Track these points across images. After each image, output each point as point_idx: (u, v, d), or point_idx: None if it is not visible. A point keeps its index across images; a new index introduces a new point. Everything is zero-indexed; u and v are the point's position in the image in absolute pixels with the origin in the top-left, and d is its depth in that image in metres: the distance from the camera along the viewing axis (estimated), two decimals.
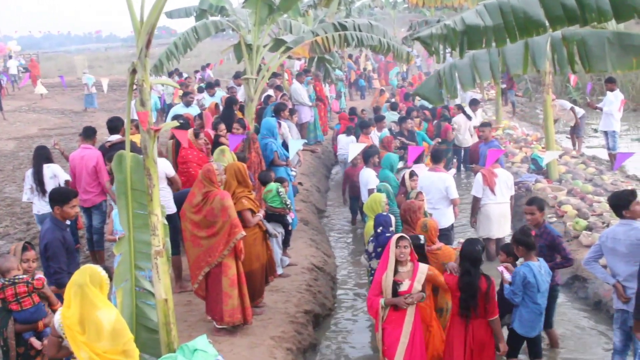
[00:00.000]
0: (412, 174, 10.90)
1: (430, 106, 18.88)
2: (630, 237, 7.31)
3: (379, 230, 8.93)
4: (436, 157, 11.93)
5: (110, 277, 6.24)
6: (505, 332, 7.98)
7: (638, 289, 6.81)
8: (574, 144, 20.26)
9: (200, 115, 14.43)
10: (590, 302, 10.24)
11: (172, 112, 16.06)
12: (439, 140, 17.60)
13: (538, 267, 7.71)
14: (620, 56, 7.42)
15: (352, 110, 20.31)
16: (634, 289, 7.04)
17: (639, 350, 7.08)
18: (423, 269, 7.66)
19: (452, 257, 8.44)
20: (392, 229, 9.03)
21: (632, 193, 7.72)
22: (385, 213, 9.24)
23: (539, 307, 7.75)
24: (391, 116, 19.05)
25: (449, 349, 7.70)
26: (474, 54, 7.95)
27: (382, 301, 7.58)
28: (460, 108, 19.14)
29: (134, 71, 7.35)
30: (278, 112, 15.14)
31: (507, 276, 7.81)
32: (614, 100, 17.54)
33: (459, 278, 7.48)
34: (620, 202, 7.57)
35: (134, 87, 7.39)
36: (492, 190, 11.54)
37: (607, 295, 9.74)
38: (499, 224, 11.70)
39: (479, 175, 11.71)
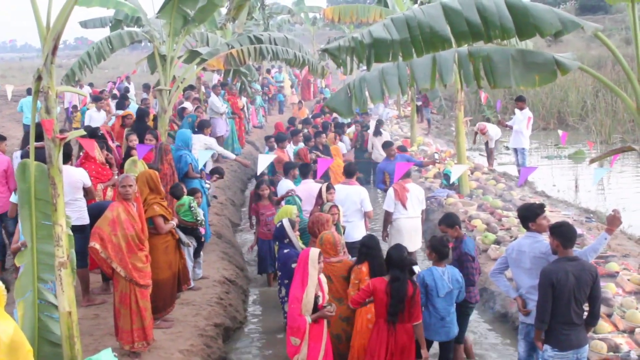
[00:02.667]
0: (329, 187, 10.94)
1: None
2: (534, 250, 7.49)
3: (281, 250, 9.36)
4: (349, 171, 12.05)
5: (8, 289, 6.04)
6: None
7: (538, 300, 6.99)
8: (489, 159, 20.78)
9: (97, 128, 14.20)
10: (497, 314, 10.47)
11: (87, 115, 15.84)
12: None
13: (440, 273, 8.02)
14: (523, 73, 7.63)
15: (291, 120, 20.56)
16: (535, 301, 7.23)
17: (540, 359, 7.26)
18: (323, 278, 7.84)
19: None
20: (287, 240, 9.41)
21: (541, 207, 7.94)
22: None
23: (438, 311, 7.99)
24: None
25: (370, 353, 7.81)
26: (383, 67, 8.07)
27: (309, 319, 7.62)
28: (376, 125, 19.63)
29: (39, 78, 7.21)
30: (202, 128, 15.07)
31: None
32: (522, 119, 18.06)
33: (388, 284, 7.60)
34: (528, 214, 7.76)
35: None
36: (404, 205, 11.65)
37: (513, 306, 10.00)
38: (410, 238, 11.82)
39: (390, 190, 11.83)
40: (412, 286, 7.64)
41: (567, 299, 6.76)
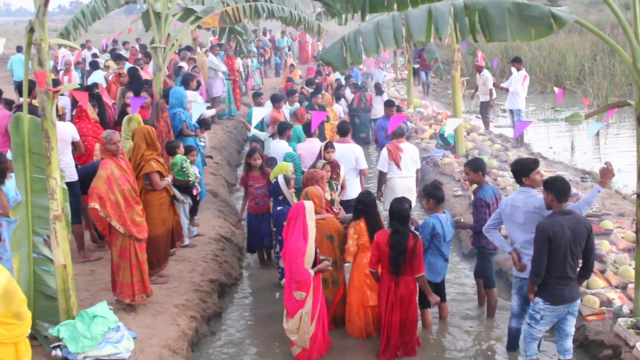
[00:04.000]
0: (328, 145, 10.91)
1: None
2: (528, 205, 7.49)
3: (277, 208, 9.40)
4: (343, 130, 12.05)
5: None
6: None
7: (534, 254, 7.00)
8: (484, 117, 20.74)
9: (96, 85, 14.08)
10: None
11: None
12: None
13: (445, 219, 8.47)
14: (519, 26, 7.56)
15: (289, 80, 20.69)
16: (529, 256, 7.26)
17: (530, 311, 7.30)
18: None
19: (337, 228, 8.73)
20: (281, 197, 9.51)
21: (535, 162, 7.94)
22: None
23: (444, 255, 8.55)
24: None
25: (378, 303, 8.17)
26: (378, 20, 7.99)
27: (312, 272, 7.82)
28: (376, 86, 19.71)
29: (31, 30, 7.15)
30: (186, 83, 14.97)
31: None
32: (519, 80, 17.98)
33: (389, 236, 7.77)
34: (522, 169, 7.77)
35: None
36: (398, 165, 11.61)
37: (506, 263, 10.05)
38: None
39: (384, 150, 11.80)
40: (413, 238, 7.79)
41: (563, 253, 6.77)
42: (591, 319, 8.31)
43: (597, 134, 21.61)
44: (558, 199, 6.90)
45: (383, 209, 11.97)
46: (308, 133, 12.56)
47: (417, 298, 8.15)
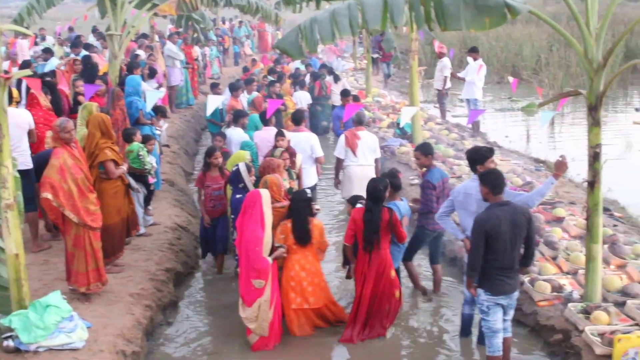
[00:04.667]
0: (278, 134, 10.91)
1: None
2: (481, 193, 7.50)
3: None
4: (297, 119, 12.07)
5: None
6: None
7: (470, 249, 7.02)
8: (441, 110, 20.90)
9: (53, 73, 13.86)
10: (446, 258, 10.60)
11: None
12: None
13: (403, 206, 8.68)
14: (474, 16, 7.59)
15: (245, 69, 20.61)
16: None
17: (477, 305, 7.33)
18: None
19: None
20: (242, 185, 9.40)
21: (490, 150, 8.04)
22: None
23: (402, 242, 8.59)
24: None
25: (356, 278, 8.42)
26: (334, 8, 7.99)
27: (270, 260, 7.92)
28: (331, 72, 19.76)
29: None
30: (131, 70, 14.81)
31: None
32: (476, 69, 18.13)
33: (363, 214, 8.10)
34: (477, 157, 7.85)
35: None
36: (354, 152, 11.64)
37: (461, 251, 10.15)
38: (361, 186, 11.63)
39: (341, 137, 11.83)
40: (388, 212, 8.10)
41: (502, 244, 6.78)
42: (542, 304, 8.44)
43: (552, 123, 21.95)
44: (493, 192, 6.91)
45: (341, 197, 12.06)
46: (264, 122, 12.53)
47: (392, 272, 8.35)
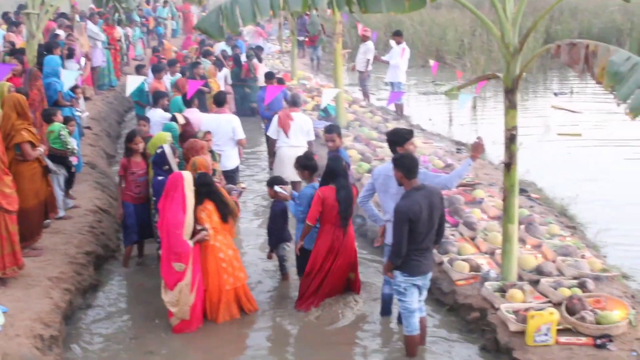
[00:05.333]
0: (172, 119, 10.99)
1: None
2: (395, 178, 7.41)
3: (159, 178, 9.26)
4: (219, 100, 12.00)
5: None
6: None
7: (394, 237, 7.05)
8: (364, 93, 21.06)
9: None
10: (368, 240, 10.71)
11: None
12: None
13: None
14: None
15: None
16: None
17: (394, 287, 7.44)
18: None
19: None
20: (166, 167, 9.34)
21: (410, 132, 8.12)
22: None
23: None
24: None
25: (314, 255, 8.50)
26: None
27: (191, 243, 7.87)
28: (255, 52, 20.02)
29: None
30: (50, 50, 14.40)
31: (282, 190, 8.86)
32: (399, 52, 18.32)
33: (337, 192, 8.29)
34: (397, 139, 7.89)
35: None
36: (286, 133, 11.64)
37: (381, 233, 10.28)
38: (292, 168, 11.79)
39: (275, 117, 11.84)
40: (356, 189, 8.48)
41: (422, 228, 6.91)
42: (460, 283, 8.65)
43: (474, 106, 22.36)
44: (407, 176, 7.00)
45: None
46: (187, 104, 12.42)
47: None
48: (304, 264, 8.68)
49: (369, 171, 12.39)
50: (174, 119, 11.04)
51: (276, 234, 9.30)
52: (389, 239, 7.86)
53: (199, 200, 8.26)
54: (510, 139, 8.11)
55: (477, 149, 7.91)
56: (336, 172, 8.42)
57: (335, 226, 8.40)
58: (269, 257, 9.40)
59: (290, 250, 9.38)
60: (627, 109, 6.30)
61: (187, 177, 8.04)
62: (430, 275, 7.36)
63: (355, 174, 12.49)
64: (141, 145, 9.91)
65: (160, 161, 9.40)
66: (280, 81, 15.54)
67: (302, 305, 8.59)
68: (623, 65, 6.65)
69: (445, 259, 9.05)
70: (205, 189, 8.30)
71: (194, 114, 11.62)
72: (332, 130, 9.92)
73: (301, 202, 8.66)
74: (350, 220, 8.61)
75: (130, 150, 9.90)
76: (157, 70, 15.18)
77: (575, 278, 8.26)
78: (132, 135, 10.04)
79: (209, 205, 8.30)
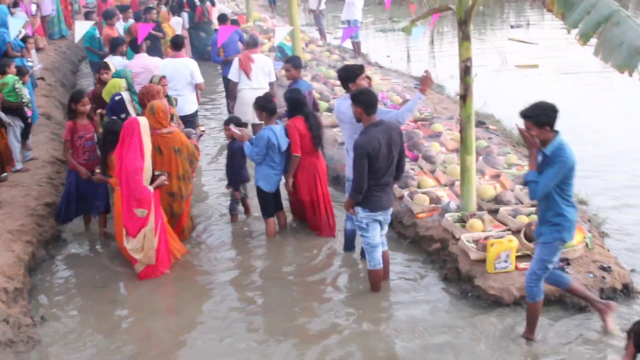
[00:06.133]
0: (103, 67, 10.86)
1: None
2: (351, 110, 7.30)
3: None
4: (176, 44, 11.81)
5: None
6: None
7: (354, 173, 7.03)
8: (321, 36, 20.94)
9: None
10: (330, 178, 10.73)
11: None
12: None
13: (279, 130, 8.65)
14: None
15: None
16: None
17: (355, 222, 7.49)
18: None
19: (184, 142, 8.69)
20: (124, 115, 9.21)
21: (361, 68, 8.10)
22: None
23: (278, 165, 8.77)
24: None
25: (301, 188, 8.83)
26: None
27: (151, 188, 7.84)
28: None
29: None
30: None
31: (237, 130, 8.84)
32: None
33: (305, 121, 8.63)
34: (348, 75, 7.87)
35: None
36: (248, 75, 11.53)
37: (342, 169, 10.30)
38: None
39: (235, 59, 11.72)
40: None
41: (382, 163, 6.94)
42: (421, 216, 8.75)
43: (432, 41, 22.37)
44: (367, 112, 6.99)
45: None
46: (135, 49, 12.21)
47: None
48: (267, 205, 8.89)
49: (328, 110, 12.40)
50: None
51: (235, 173, 9.36)
52: (347, 173, 7.93)
53: (110, 147, 8.29)
54: (465, 71, 8.14)
55: (425, 82, 7.91)
56: (300, 102, 8.73)
57: (309, 154, 8.72)
58: (235, 195, 9.52)
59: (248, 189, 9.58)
60: (577, 35, 6.33)
61: (143, 122, 7.95)
62: (391, 210, 7.43)
63: None
64: (88, 107, 9.14)
65: (118, 109, 9.27)
66: (235, 23, 15.38)
67: (323, 232, 9.01)
68: None
69: (405, 192, 9.13)
70: (111, 137, 8.35)
71: (142, 59, 11.44)
72: (288, 61, 10.33)
73: (257, 143, 8.64)
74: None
75: (75, 112, 9.07)
76: (108, 17, 14.92)
77: (533, 205, 8.38)
78: (79, 95, 9.16)
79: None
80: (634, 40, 5.90)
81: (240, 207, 9.71)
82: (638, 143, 12.16)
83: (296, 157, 8.66)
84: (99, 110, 9.86)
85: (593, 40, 6.36)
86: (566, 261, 7.29)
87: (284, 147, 8.66)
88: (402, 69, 18.11)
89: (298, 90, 9.04)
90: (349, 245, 8.51)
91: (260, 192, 8.87)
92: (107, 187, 9.02)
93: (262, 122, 9.19)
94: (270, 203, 8.97)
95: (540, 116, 6.02)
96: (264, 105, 8.80)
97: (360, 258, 8.31)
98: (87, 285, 8.16)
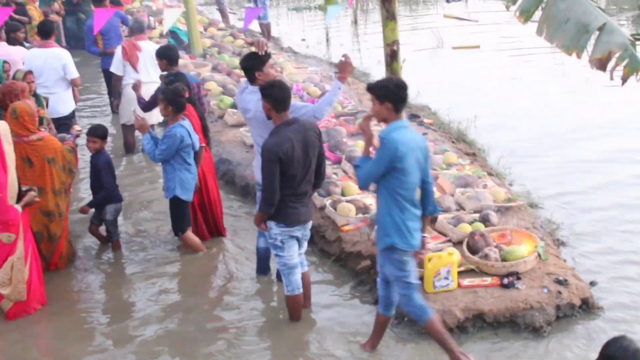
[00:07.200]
0: None
1: None
2: (259, 106, 7.22)
3: None
4: (44, 31, 11.53)
5: None
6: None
7: (264, 182, 6.98)
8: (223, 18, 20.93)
9: None
10: (237, 188, 10.77)
11: None
12: None
13: (190, 126, 8.69)
14: None
15: None
16: None
17: (269, 240, 7.43)
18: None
19: (57, 149, 8.57)
20: None
21: (266, 54, 7.92)
22: None
23: (193, 167, 8.81)
24: None
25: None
26: None
27: (19, 208, 7.65)
28: None
29: None
30: None
31: (140, 116, 8.89)
32: None
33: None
34: (253, 64, 7.67)
35: None
36: (135, 67, 11.41)
37: (252, 177, 10.33)
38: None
39: (118, 49, 11.56)
40: None
41: (296, 169, 6.89)
42: (347, 229, 8.78)
43: (355, 21, 22.57)
44: (276, 108, 6.92)
45: (119, 121, 11.83)
46: None
47: None
48: (184, 217, 8.99)
49: (232, 106, 12.37)
50: None
51: (104, 192, 9.23)
52: (259, 176, 7.59)
53: None
54: (392, 56, 8.24)
55: (344, 69, 7.73)
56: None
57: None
58: (83, 210, 9.47)
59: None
60: (516, 12, 6.49)
61: (4, 127, 7.75)
62: (310, 224, 7.40)
63: (217, 110, 12.47)
64: None
65: None
66: (116, 3, 15.17)
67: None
68: None
69: (327, 202, 9.17)
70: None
71: (2, 49, 11.22)
72: (160, 55, 10.00)
73: (165, 142, 8.53)
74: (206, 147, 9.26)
75: None
76: None
77: (476, 211, 8.55)
78: None
79: None
80: (582, 16, 6.06)
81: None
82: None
83: (202, 147, 8.81)
84: None
85: (537, 16, 6.54)
86: (516, 275, 7.44)
87: (197, 144, 8.70)
88: (320, 55, 18.24)
89: (181, 74, 9.24)
90: (263, 267, 8.48)
91: (176, 204, 8.79)
92: None
93: (165, 117, 9.17)
94: (187, 213, 8.95)
95: (383, 89, 6.34)
96: (173, 100, 8.59)
97: (277, 281, 8.30)
98: None
